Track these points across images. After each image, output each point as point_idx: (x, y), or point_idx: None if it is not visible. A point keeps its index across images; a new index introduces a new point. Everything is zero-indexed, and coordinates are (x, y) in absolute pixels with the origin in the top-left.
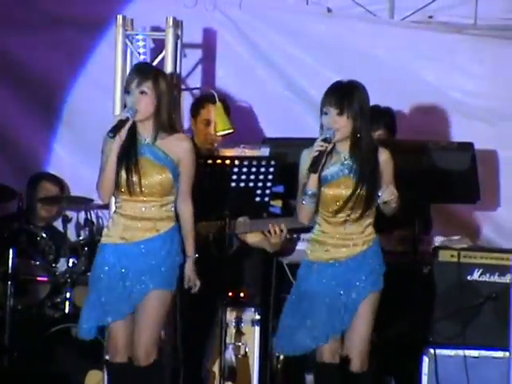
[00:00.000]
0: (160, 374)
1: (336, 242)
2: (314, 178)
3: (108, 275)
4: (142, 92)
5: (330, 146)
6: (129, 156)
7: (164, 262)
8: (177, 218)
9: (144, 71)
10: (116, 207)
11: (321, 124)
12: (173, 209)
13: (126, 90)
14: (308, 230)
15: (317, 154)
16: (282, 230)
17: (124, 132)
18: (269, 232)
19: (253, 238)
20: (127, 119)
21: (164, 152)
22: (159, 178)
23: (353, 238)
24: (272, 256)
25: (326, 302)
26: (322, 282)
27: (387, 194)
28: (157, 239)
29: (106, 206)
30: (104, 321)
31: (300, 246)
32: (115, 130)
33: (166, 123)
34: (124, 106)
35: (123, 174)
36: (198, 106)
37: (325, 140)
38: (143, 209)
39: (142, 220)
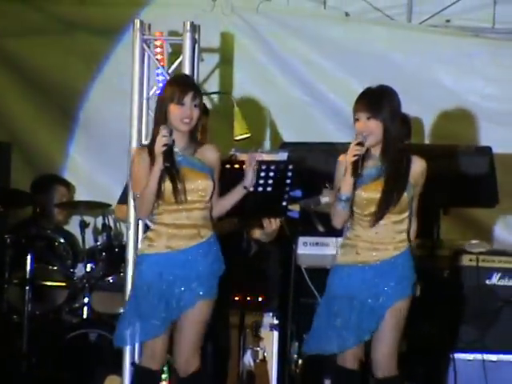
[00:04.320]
0: None
1: (367, 245)
2: (349, 182)
3: (153, 286)
4: (196, 105)
5: (363, 150)
6: (168, 167)
7: (210, 269)
8: None
9: (195, 85)
10: (155, 218)
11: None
12: (209, 216)
13: (179, 102)
14: None
15: (355, 158)
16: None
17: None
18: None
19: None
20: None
21: (200, 160)
22: (203, 184)
23: (384, 243)
24: (290, 260)
25: (355, 304)
26: (352, 286)
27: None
28: (202, 246)
29: None
30: (148, 333)
31: (313, 250)
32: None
33: (196, 135)
34: (161, 115)
35: (167, 184)
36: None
37: (359, 144)
38: (186, 216)
39: (187, 228)
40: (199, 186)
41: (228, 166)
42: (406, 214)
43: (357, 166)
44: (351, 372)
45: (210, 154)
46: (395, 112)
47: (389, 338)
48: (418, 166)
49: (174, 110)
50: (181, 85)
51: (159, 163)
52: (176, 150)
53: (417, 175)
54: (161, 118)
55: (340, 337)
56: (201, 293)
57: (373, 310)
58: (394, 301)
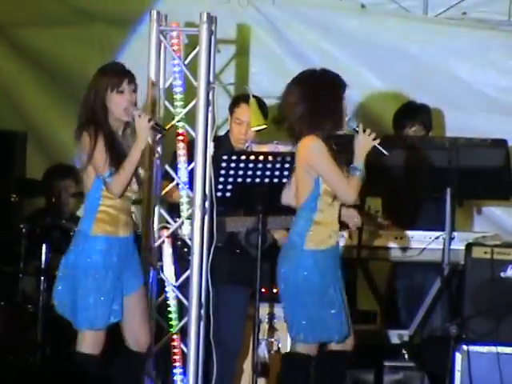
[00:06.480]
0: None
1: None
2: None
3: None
4: (135, 90)
5: None
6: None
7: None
8: None
9: (129, 70)
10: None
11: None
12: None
13: (119, 90)
14: None
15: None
16: None
17: None
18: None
19: (278, 235)
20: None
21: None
22: None
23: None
24: None
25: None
26: None
27: None
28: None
29: (139, 202)
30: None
31: None
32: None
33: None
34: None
35: None
36: (233, 105)
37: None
38: (127, 204)
39: (126, 215)
40: None
41: (244, 157)
42: None
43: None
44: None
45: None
46: None
47: None
48: None
49: (115, 99)
50: (113, 72)
51: (143, 140)
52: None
53: None
54: (99, 109)
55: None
56: (135, 282)
57: None
58: None
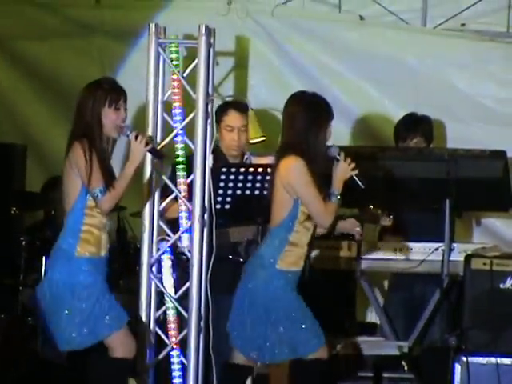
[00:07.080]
0: None
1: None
2: None
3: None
4: (126, 108)
5: None
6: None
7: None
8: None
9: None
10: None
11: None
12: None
13: (116, 107)
14: None
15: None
16: None
17: None
18: None
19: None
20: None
21: None
22: None
23: None
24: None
25: None
26: None
27: None
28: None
29: (138, 214)
30: None
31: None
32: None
33: None
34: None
35: None
36: (221, 113)
37: None
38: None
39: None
40: None
41: (243, 169)
42: None
43: None
44: None
45: None
46: None
47: None
48: None
49: (111, 116)
50: (112, 88)
51: (136, 162)
52: None
53: None
54: (95, 123)
55: None
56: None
57: None
58: None
